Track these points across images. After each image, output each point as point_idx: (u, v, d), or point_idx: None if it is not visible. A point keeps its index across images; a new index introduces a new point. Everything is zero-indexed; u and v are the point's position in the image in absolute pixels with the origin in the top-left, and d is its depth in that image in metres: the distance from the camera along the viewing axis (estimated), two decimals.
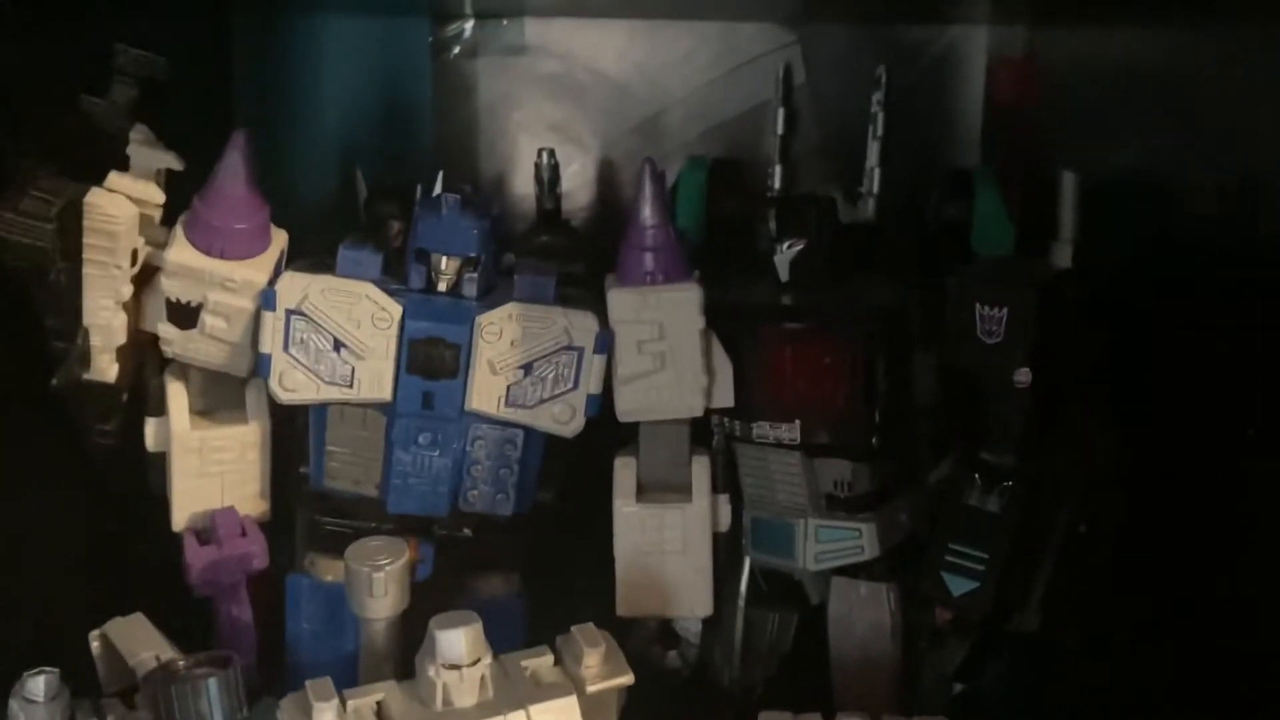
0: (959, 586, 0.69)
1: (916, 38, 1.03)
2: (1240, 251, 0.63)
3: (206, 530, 0.70)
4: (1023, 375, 0.66)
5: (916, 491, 0.74)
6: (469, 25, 1.04)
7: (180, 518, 0.70)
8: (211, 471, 0.71)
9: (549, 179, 0.86)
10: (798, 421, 0.71)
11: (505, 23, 1.04)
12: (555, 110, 1.04)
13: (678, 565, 0.71)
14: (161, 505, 0.72)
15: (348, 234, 0.69)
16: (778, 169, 0.93)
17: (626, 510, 0.70)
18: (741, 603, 0.77)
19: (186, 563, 0.69)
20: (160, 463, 0.71)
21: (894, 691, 0.73)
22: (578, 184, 1.03)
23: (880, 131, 0.89)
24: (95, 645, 0.65)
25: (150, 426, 0.70)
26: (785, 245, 0.74)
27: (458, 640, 0.56)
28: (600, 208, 1.04)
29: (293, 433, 0.72)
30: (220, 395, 0.71)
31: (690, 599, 0.71)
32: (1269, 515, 0.59)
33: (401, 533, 0.68)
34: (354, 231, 0.71)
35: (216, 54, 0.97)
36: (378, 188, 0.80)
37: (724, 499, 0.72)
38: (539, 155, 0.86)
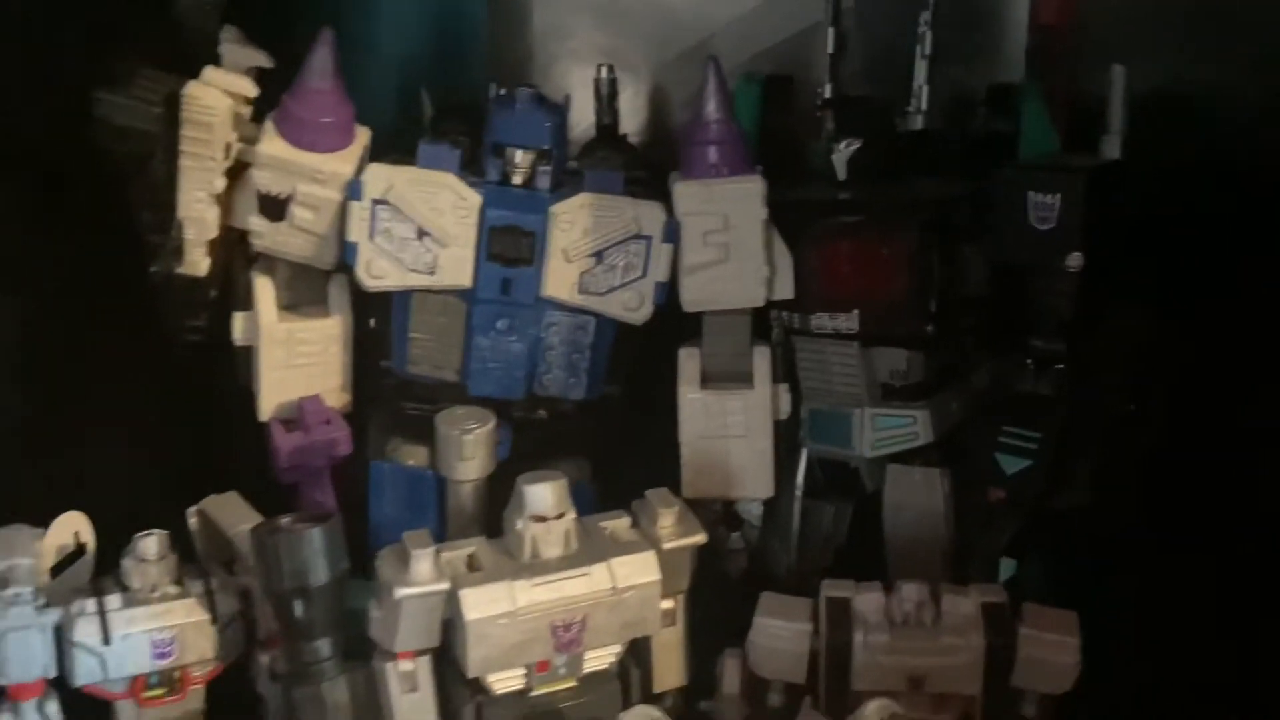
0: (1013, 465, 0.72)
1: None
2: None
3: (293, 419, 0.74)
4: (1075, 259, 0.69)
5: (968, 381, 0.77)
6: None
7: (268, 407, 0.74)
8: (297, 363, 0.74)
9: (608, 94, 0.89)
10: (855, 312, 0.74)
11: None
12: (606, 37, 1.07)
13: (740, 449, 0.74)
14: (248, 398, 0.75)
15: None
16: (828, 88, 0.95)
17: (692, 396, 0.74)
18: (799, 493, 0.81)
19: (275, 448, 0.72)
20: (247, 356, 0.75)
21: (947, 573, 0.76)
22: (629, 109, 1.06)
23: (928, 50, 0.91)
24: (193, 521, 0.68)
25: (239, 320, 0.73)
26: (843, 144, 0.77)
27: (545, 493, 0.59)
28: (654, 132, 1.07)
29: (370, 330, 0.75)
30: (305, 290, 0.74)
31: (752, 482, 0.74)
32: None
33: (485, 415, 0.71)
34: None
35: None
36: (444, 106, 0.83)
37: (784, 387, 0.75)
38: (598, 70, 0.89)
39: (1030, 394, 0.72)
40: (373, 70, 1.03)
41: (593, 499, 0.76)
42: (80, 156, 0.69)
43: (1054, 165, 0.72)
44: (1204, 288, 0.74)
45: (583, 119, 0.95)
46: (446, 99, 0.84)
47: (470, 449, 0.65)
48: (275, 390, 0.74)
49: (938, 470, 0.76)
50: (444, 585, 0.58)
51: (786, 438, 0.78)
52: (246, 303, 0.74)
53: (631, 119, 1.06)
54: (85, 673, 0.61)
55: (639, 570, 0.61)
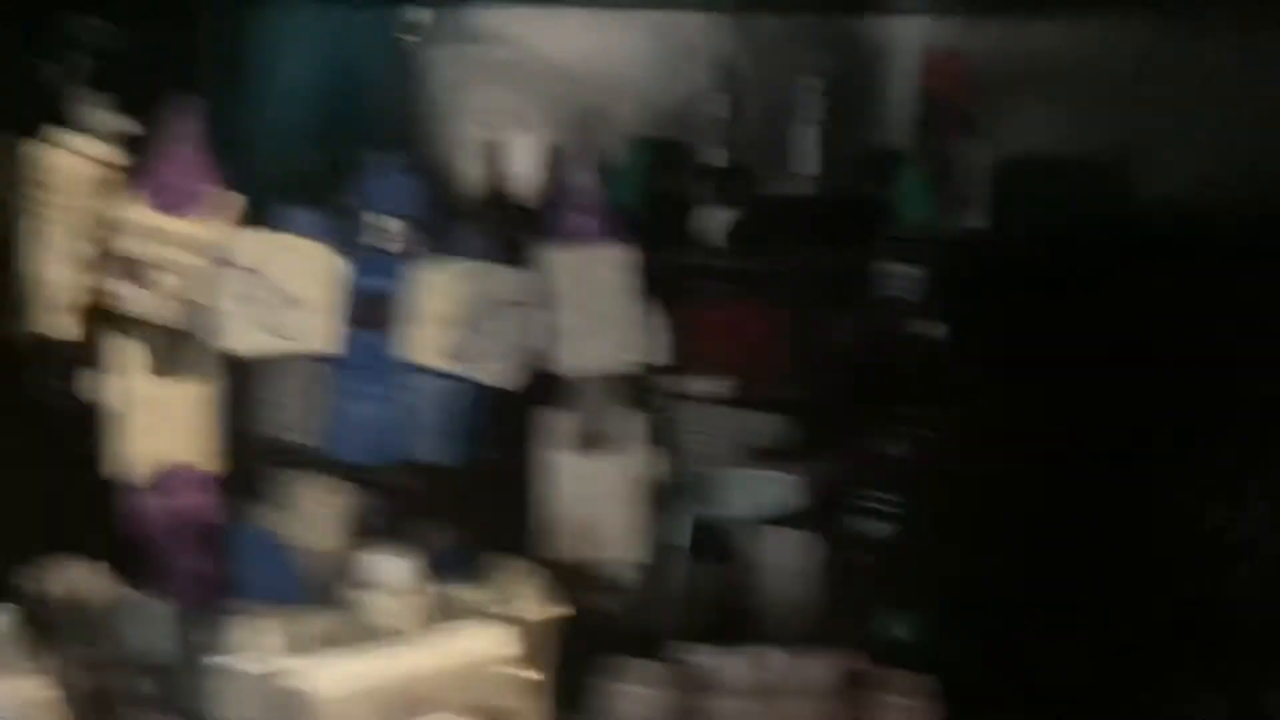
0: (875, 530, 0.73)
1: (853, 28, 1.08)
2: (1140, 225, 0.68)
3: (160, 483, 0.73)
4: (935, 329, 0.71)
5: (845, 443, 0.79)
6: (427, 13, 1.08)
7: (135, 471, 0.73)
8: (165, 426, 0.73)
9: (492, 157, 0.90)
10: (727, 376, 0.75)
11: (462, 11, 1.07)
12: (506, 96, 1.08)
13: (612, 513, 0.74)
14: (117, 460, 0.74)
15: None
16: (719, 153, 0.97)
17: (562, 460, 0.74)
18: (680, 555, 0.81)
19: (139, 514, 0.72)
20: (117, 418, 0.74)
21: (820, 634, 0.77)
22: (526, 169, 1.07)
23: (816, 116, 0.93)
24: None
25: (103, 381, 0.73)
26: (719, 213, 0.79)
27: (390, 566, 0.59)
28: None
29: (243, 388, 0.75)
30: (175, 351, 0.74)
31: (623, 545, 0.75)
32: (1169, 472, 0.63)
33: (348, 483, 0.71)
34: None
35: (183, 33, 0.99)
36: (329, 171, 0.83)
37: (658, 450, 0.76)
38: (481, 133, 0.90)
39: (897, 459, 0.73)
40: (266, 133, 1.03)
41: (470, 565, 0.76)
42: None
43: (917, 236, 0.73)
44: (1070, 354, 0.76)
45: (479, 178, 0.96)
46: (334, 164, 0.85)
47: (323, 519, 0.64)
48: (144, 453, 0.73)
49: (811, 533, 0.77)
50: (288, 659, 0.58)
51: (665, 497, 0.79)
52: (115, 364, 0.73)
53: (529, 178, 1.08)
54: None
55: (496, 644, 0.61)
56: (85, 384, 0.72)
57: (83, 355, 0.72)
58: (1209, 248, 0.53)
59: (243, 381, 0.72)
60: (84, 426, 0.73)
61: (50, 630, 0.65)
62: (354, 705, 0.57)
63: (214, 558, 0.73)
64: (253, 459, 0.74)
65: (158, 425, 0.73)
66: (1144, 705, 0.67)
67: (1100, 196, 0.78)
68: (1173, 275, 0.58)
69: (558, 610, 0.64)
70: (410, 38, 1.06)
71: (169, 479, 0.72)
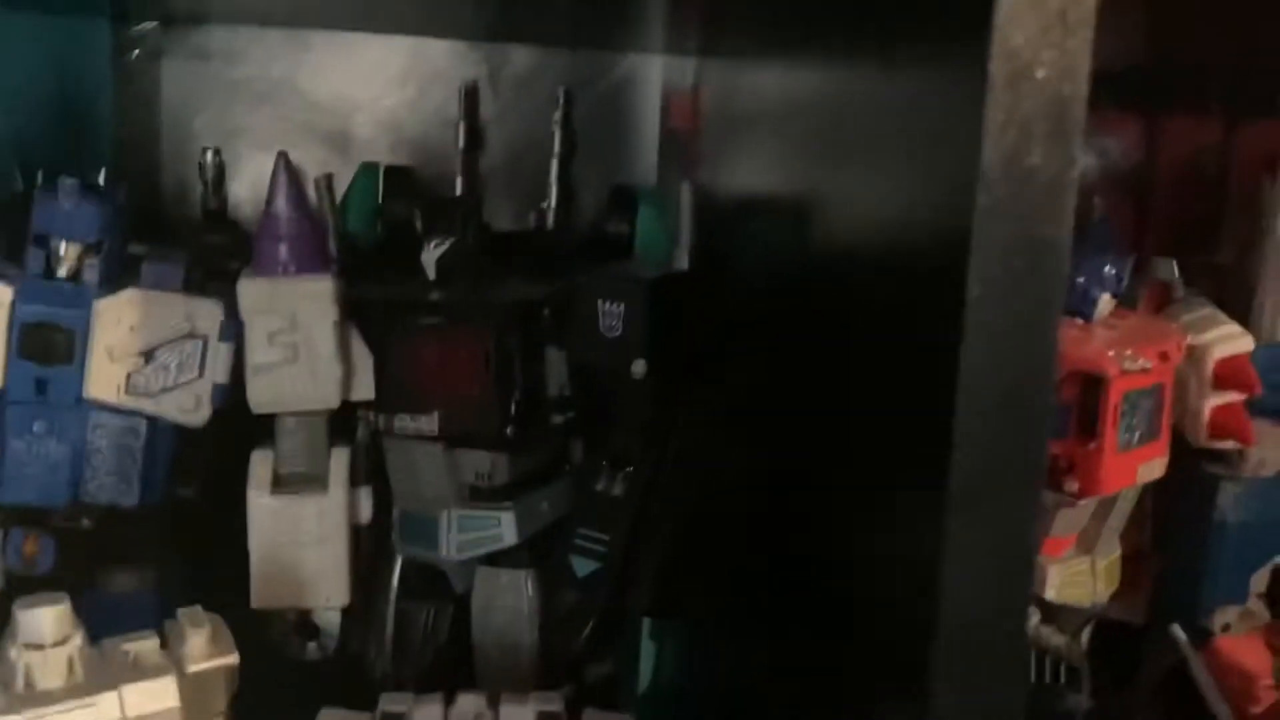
0: (583, 568, 0.72)
1: (597, 62, 1.09)
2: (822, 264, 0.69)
3: None
4: (639, 366, 0.71)
5: (558, 481, 0.78)
6: (153, 28, 1.03)
7: None
8: None
9: (213, 178, 0.86)
10: (436, 413, 0.73)
11: (191, 28, 1.03)
12: (240, 116, 1.04)
13: (315, 556, 0.71)
14: None
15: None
16: (459, 181, 0.96)
17: (261, 501, 0.71)
18: (393, 596, 0.79)
19: None
20: None
21: (533, 673, 0.76)
22: (259, 191, 1.04)
23: (559, 149, 0.93)
24: None
25: None
26: (433, 244, 0.77)
27: (39, 619, 0.55)
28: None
29: None
30: None
31: (327, 589, 0.72)
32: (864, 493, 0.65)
33: (18, 523, 0.66)
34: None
35: None
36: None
37: (365, 490, 0.73)
38: (202, 154, 0.87)
39: (604, 495, 0.73)
40: None
41: (156, 608, 0.72)
42: None
43: (620, 275, 0.73)
44: (769, 391, 0.77)
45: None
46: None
47: None
48: None
49: (524, 571, 0.76)
50: None
51: (380, 538, 0.77)
52: None
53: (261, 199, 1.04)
54: None
55: (154, 697, 0.57)
56: None
57: None
58: (882, 287, 0.55)
59: None
60: None
61: None
62: None
63: None
64: None
65: None
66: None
67: (789, 236, 0.80)
68: (849, 311, 0.59)
69: (225, 659, 0.61)
70: (134, 53, 1.02)
71: None
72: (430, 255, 0.77)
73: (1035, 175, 0.44)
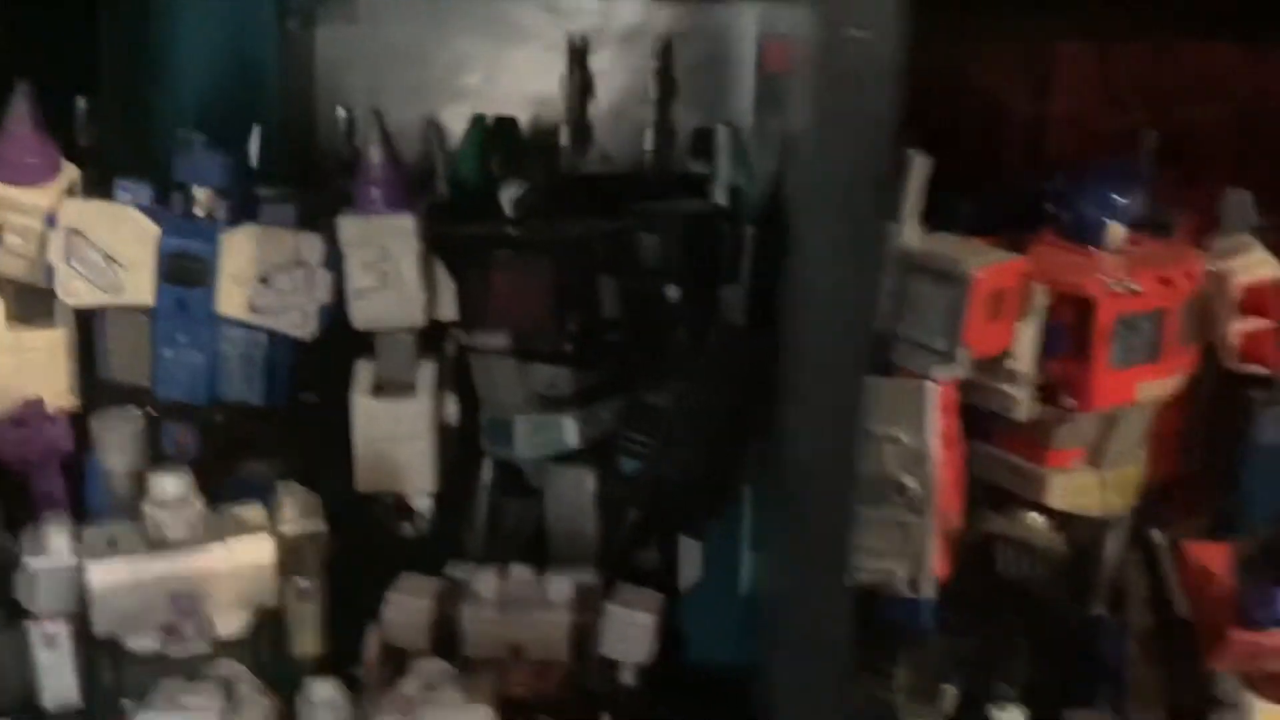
0: (629, 466, 0.83)
1: (699, 13, 1.17)
2: None
3: (18, 418, 0.85)
4: (672, 291, 0.80)
5: (619, 394, 0.88)
6: None
7: None
8: (24, 368, 0.85)
9: (345, 132, 1.01)
10: (507, 331, 0.85)
11: None
12: (386, 75, 1.18)
13: (407, 450, 0.84)
14: None
15: None
16: (566, 130, 1.07)
17: (363, 403, 0.84)
18: (484, 492, 0.92)
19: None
20: None
21: (592, 559, 0.87)
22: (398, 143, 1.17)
23: (657, 95, 1.03)
24: None
25: None
26: (510, 185, 0.88)
27: (168, 482, 0.70)
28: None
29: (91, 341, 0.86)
30: (31, 303, 0.85)
31: (417, 477, 0.85)
32: None
33: (170, 416, 0.83)
34: None
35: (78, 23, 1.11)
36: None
37: (451, 396, 0.86)
38: (339, 111, 1.01)
39: (650, 404, 0.83)
40: (172, 109, 1.14)
41: (259, 490, 0.86)
42: None
43: (661, 211, 0.83)
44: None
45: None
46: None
47: (117, 443, 0.76)
48: (4, 392, 0.85)
49: (585, 470, 0.88)
50: (72, 560, 0.69)
51: (470, 438, 0.90)
52: None
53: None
54: None
55: (253, 550, 0.72)
56: None
57: None
58: None
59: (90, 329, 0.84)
60: None
61: None
62: (124, 595, 0.69)
63: (61, 480, 0.84)
64: (96, 396, 0.86)
65: (15, 368, 0.84)
66: None
67: None
68: None
69: (315, 526, 0.75)
70: (294, 19, 1.17)
71: (25, 414, 0.84)
72: (507, 195, 0.88)
73: None
